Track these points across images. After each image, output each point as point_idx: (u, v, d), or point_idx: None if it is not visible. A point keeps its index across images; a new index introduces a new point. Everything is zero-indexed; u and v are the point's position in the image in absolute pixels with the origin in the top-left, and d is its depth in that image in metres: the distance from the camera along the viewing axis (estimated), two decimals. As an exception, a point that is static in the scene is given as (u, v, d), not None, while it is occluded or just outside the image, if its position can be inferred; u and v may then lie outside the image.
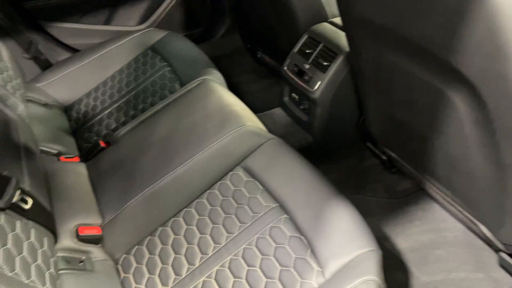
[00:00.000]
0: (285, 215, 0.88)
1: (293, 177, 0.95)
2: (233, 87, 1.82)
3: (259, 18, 1.62)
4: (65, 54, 1.61)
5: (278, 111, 1.45)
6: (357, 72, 1.04)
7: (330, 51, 1.17)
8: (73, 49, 1.63)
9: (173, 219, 0.97)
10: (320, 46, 1.19)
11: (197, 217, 0.95)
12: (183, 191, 1.00)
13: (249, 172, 0.99)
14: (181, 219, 0.96)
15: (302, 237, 0.84)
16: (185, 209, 0.98)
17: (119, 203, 1.02)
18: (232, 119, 1.08)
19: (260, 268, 0.83)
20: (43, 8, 1.53)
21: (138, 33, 1.54)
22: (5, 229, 0.74)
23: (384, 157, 1.24)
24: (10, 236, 0.74)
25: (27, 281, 0.70)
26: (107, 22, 1.66)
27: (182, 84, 1.31)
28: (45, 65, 1.51)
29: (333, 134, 1.29)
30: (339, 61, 1.15)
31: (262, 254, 0.84)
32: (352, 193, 1.33)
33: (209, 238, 0.91)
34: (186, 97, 1.21)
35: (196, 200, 0.98)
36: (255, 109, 1.59)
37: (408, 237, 1.21)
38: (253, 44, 1.80)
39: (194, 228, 0.94)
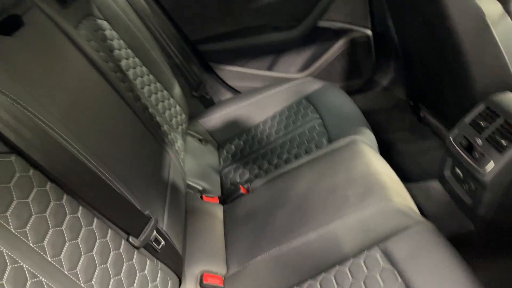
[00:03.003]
0: (424, 325, 0.73)
1: (443, 278, 0.79)
2: (387, 144, 1.69)
3: (427, 75, 1.47)
4: (228, 95, 1.72)
5: (435, 185, 1.27)
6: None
7: (513, 128, 0.97)
8: (235, 90, 1.73)
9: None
10: (500, 120, 0.99)
11: (321, 294, 0.87)
12: (311, 260, 0.92)
13: (388, 257, 0.86)
14: (303, 292, 0.89)
15: None
16: (309, 281, 0.90)
17: (245, 256, 0.99)
18: (377, 189, 0.97)
19: None
20: (215, 51, 1.67)
21: (296, 81, 1.56)
22: (135, 269, 0.77)
23: None
24: (138, 276, 0.77)
25: (143, 327, 0.71)
26: (270, 68, 1.73)
27: (330, 140, 1.25)
28: (208, 103, 1.63)
29: (501, 226, 1.05)
30: (523, 142, 0.94)
31: None
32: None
33: (330, 324, 0.81)
34: (332, 156, 1.15)
35: (323, 274, 0.89)
36: (407, 176, 1.44)
37: None
38: (416, 101, 1.65)
39: (315, 306, 0.85)
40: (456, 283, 0.79)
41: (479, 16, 1.04)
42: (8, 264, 0.55)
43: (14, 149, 0.63)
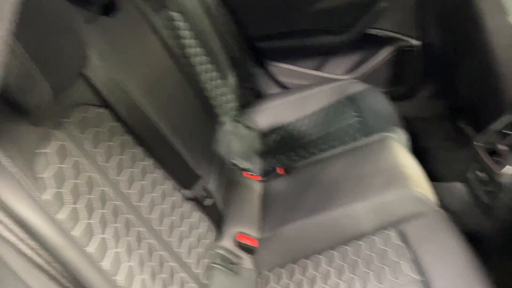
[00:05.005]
0: (424, 292, 0.84)
1: (448, 257, 0.90)
2: (422, 150, 1.76)
3: (466, 87, 1.55)
4: (276, 89, 1.87)
5: (459, 186, 1.35)
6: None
7: (534, 137, 1.05)
8: (283, 86, 1.87)
9: (316, 255, 1.03)
10: (523, 129, 1.08)
11: (337, 261, 0.99)
12: (332, 233, 1.05)
13: (402, 237, 0.97)
14: (322, 258, 1.02)
15: (435, 321, 0.79)
16: (329, 250, 1.03)
17: (276, 224, 1.14)
18: (400, 179, 1.08)
19: (381, 333, 0.81)
20: (269, 49, 1.83)
21: (340, 82, 1.68)
22: (185, 215, 0.94)
23: None
24: (187, 221, 0.94)
25: (186, 260, 0.88)
26: (317, 68, 1.86)
27: (365, 136, 1.37)
28: (258, 95, 1.79)
29: (517, 228, 1.13)
30: (541, 150, 1.02)
31: (387, 320, 0.83)
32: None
33: (342, 285, 0.93)
34: (363, 149, 1.27)
35: (342, 246, 1.02)
36: (436, 178, 1.52)
37: None
38: (455, 112, 1.72)
39: (332, 271, 0.98)
40: (461, 265, 0.89)
41: (513, 33, 1.12)
42: (94, 186, 0.73)
43: (106, 104, 0.82)
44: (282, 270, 1.04)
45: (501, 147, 1.11)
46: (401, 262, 0.92)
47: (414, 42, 1.77)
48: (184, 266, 0.86)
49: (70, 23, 0.67)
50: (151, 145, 0.89)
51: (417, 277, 0.88)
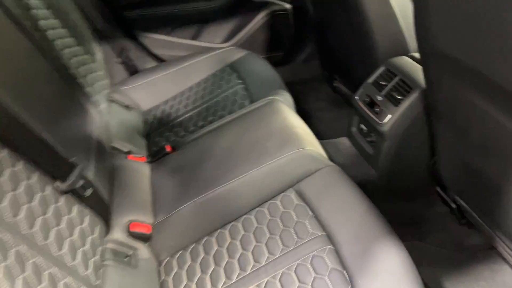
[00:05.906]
0: (330, 246, 0.84)
1: (346, 208, 0.91)
2: (305, 113, 1.82)
3: (339, 46, 1.62)
4: (152, 63, 1.73)
5: (344, 141, 1.41)
6: (432, 110, 0.98)
7: (406, 85, 1.12)
8: (159, 59, 1.74)
9: (219, 230, 0.97)
10: (396, 79, 1.15)
11: (242, 232, 0.95)
12: (233, 205, 1.00)
13: (301, 196, 0.96)
14: (226, 232, 0.96)
15: (344, 271, 0.79)
16: (232, 223, 0.98)
17: (172, 206, 1.05)
18: (292, 140, 1.07)
19: (295, 296, 0.79)
20: (139, 19, 1.67)
21: (220, 51, 1.61)
22: (61, 211, 0.79)
23: (454, 206, 1.14)
24: (65, 218, 0.79)
25: (70, 264, 0.74)
26: (194, 37, 1.76)
27: (252, 102, 1.33)
28: (132, 71, 1.63)
29: (399, 172, 1.22)
30: (413, 96, 1.09)
31: (299, 281, 0.81)
32: (415, 239, 1.24)
33: (250, 255, 0.89)
34: (252, 114, 1.23)
35: (244, 216, 0.98)
36: (322, 136, 1.58)
37: (471, 297, 1.09)
38: (331, 72, 1.79)
39: (238, 243, 0.93)
40: (359, 214, 0.91)
41: (380, -12, 1.17)
42: None
43: None
44: (185, 252, 0.96)
45: (379, 98, 1.17)
46: (303, 221, 0.91)
47: (286, 5, 1.78)
48: (69, 271, 0.72)
49: None
50: (4, 133, 0.72)
51: (320, 232, 0.88)
